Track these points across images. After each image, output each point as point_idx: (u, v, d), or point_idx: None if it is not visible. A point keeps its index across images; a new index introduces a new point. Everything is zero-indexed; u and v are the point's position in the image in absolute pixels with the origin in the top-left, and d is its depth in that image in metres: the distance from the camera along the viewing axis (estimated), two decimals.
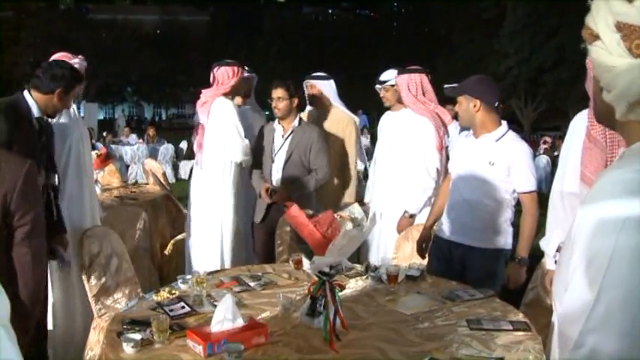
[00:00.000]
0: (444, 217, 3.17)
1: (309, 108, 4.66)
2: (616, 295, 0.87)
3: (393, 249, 3.56)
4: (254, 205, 4.08)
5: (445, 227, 3.13)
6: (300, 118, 4.01)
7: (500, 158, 2.92)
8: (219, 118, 3.92)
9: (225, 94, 3.98)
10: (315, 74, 4.58)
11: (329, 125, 4.47)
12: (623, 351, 0.85)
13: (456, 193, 3.07)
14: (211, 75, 4.03)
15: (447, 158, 3.74)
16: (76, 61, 3.44)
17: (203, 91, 4.06)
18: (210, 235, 4.00)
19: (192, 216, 4.13)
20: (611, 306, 0.87)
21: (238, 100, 4.33)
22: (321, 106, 4.53)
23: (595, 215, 0.92)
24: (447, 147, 3.99)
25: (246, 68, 4.35)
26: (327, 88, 4.52)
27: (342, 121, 4.48)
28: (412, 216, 3.85)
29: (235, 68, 4.00)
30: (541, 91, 26.06)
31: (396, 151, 4.04)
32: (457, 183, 3.09)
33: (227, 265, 3.95)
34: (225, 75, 3.96)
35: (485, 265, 2.95)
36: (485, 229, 2.99)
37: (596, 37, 0.98)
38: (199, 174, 4.07)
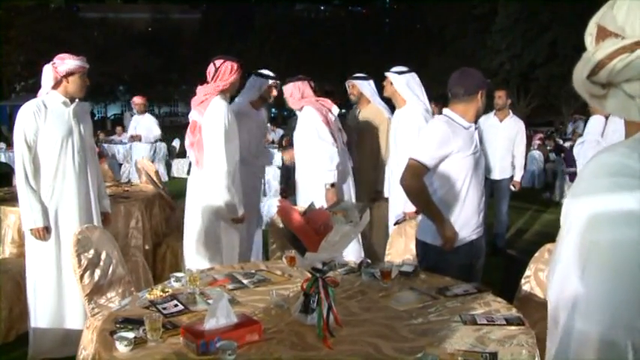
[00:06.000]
0: (423, 219, 3.06)
1: (354, 106, 5.16)
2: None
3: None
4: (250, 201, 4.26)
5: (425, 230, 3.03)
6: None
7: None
8: (211, 119, 3.73)
9: (224, 91, 3.81)
10: (355, 75, 5.00)
11: (365, 122, 4.94)
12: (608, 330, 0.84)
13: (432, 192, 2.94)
14: (212, 67, 3.82)
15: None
16: (78, 62, 3.58)
17: (200, 87, 3.85)
18: (208, 234, 3.87)
19: (190, 215, 3.96)
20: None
21: (258, 103, 4.55)
22: (360, 104, 5.01)
23: (584, 204, 0.90)
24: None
25: (271, 74, 4.52)
26: (365, 87, 4.95)
27: (375, 118, 4.89)
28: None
29: (237, 65, 3.84)
30: (533, 86, 26.12)
31: None
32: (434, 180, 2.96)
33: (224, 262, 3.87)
34: (227, 70, 3.78)
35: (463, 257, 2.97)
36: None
37: (612, 36, 0.92)
38: (198, 174, 3.86)
